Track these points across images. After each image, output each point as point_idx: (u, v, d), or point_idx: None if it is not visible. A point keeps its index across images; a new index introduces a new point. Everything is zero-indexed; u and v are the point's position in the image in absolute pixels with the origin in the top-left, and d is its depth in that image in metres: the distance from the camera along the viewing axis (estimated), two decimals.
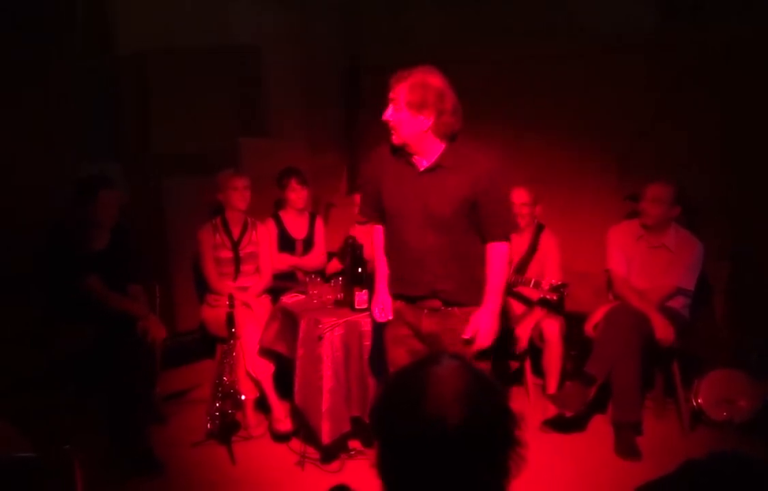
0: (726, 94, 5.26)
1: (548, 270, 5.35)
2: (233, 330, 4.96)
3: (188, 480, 4.59)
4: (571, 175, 5.95)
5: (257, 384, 5.11)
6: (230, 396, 4.93)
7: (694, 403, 5.02)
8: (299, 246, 5.92)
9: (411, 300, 3.82)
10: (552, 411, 5.03)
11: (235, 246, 5.48)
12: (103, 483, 4.17)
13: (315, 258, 5.94)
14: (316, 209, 6.44)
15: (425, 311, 3.78)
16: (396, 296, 3.90)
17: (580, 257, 5.62)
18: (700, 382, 5.02)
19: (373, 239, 4.05)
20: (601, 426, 5.06)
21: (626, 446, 4.74)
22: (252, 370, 5.08)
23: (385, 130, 3.68)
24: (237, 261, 5.47)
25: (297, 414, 4.77)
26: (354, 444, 4.76)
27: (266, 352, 5.00)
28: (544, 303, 5.28)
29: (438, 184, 3.63)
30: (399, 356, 3.86)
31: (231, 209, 5.44)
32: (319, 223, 6.05)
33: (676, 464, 1.58)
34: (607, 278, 5.32)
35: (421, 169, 3.67)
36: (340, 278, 4.94)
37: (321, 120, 7.09)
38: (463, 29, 6.29)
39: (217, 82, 6.00)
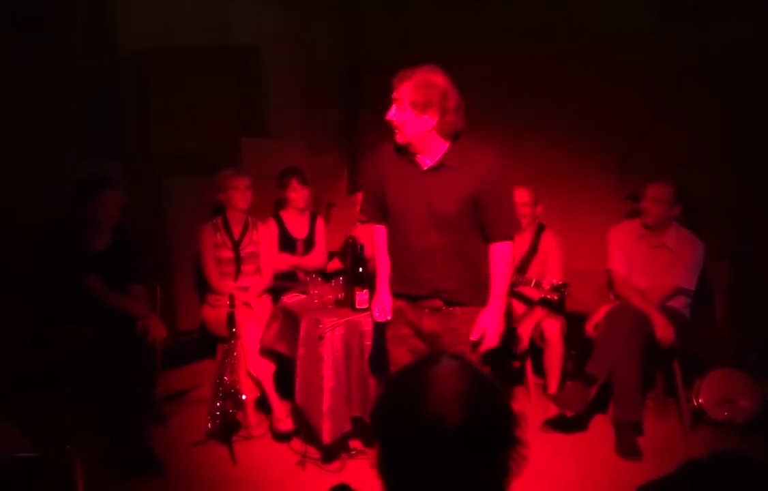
0: (726, 94, 5.24)
1: (549, 270, 5.33)
2: (234, 329, 4.95)
3: (189, 480, 4.57)
4: (571, 174, 5.93)
5: (258, 383, 5.10)
6: (231, 395, 4.92)
7: (695, 403, 5.01)
8: (300, 246, 5.90)
9: (412, 299, 3.81)
10: (553, 411, 5.02)
11: (236, 246, 5.45)
12: (103, 483, 4.17)
13: (316, 258, 5.92)
14: (317, 209, 6.42)
15: (426, 310, 3.77)
16: (397, 295, 3.88)
17: (580, 257, 5.59)
18: (701, 382, 5.01)
19: (373, 239, 4.03)
20: (602, 426, 5.04)
21: (627, 446, 4.72)
22: (253, 370, 5.07)
23: (388, 129, 3.67)
24: (238, 261, 5.45)
25: (298, 414, 4.76)
26: (355, 443, 4.74)
27: (267, 352, 4.99)
28: (545, 303, 5.26)
29: (442, 183, 3.61)
30: (400, 356, 3.85)
31: (232, 209, 5.42)
32: (319, 222, 6.03)
33: (677, 464, 1.58)
34: (608, 278, 5.30)
35: (425, 168, 3.66)
36: (341, 278, 4.91)
37: (321, 120, 7.07)
38: (463, 29, 6.27)
39: (217, 82, 5.96)
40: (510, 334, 4.91)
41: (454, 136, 3.62)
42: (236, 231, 5.47)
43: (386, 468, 1.60)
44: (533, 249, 5.43)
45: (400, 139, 3.63)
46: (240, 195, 5.37)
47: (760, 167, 5.16)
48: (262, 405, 5.21)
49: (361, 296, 4.58)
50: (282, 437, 4.97)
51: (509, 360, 5.42)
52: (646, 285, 5.07)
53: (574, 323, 5.32)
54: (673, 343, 4.87)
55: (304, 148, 6.78)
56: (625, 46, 5.59)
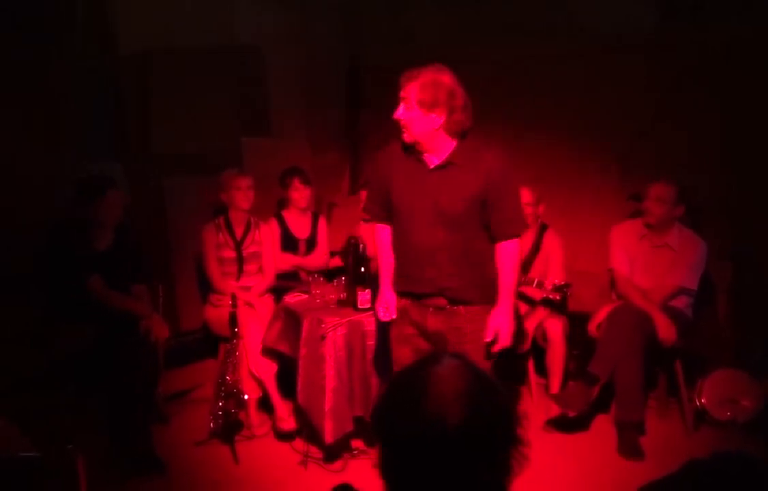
0: (726, 94, 5.20)
1: (551, 270, 5.28)
2: (236, 329, 4.91)
3: (191, 480, 4.54)
4: (571, 174, 5.88)
5: (260, 383, 5.06)
6: (233, 395, 4.89)
7: (698, 403, 4.97)
8: (302, 246, 5.86)
9: (416, 297, 3.78)
10: (555, 410, 4.98)
11: (238, 245, 5.42)
12: (105, 482, 4.14)
13: (318, 258, 5.88)
14: (319, 209, 6.38)
15: (430, 309, 3.74)
16: (402, 294, 3.85)
17: (581, 257, 5.56)
18: (704, 382, 4.97)
19: (376, 237, 4.01)
20: (604, 426, 5.01)
21: (629, 446, 4.68)
22: (255, 370, 5.03)
23: (395, 128, 3.64)
24: (240, 260, 5.42)
25: (300, 414, 4.73)
26: (357, 443, 4.71)
27: (269, 352, 4.95)
28: (547, 303, 5.22)
29: (449, 182, 3.59)
30: (404, 355, 3.81)
31: (234, 209, 5.39)
32: (321, 222, 5.99)
33: (680, 464, 1.56)
34: (610, 277, 5.25)
35: (432, 166, 3.64)
36: (343, 277, 4.87)
37: (323, 119, 7.04)
38: (463, 29, 6.24)
39: (218, 81, 5.94)
40: (518, 333, 4.87)
41: (461, 135, 3.60)
42: (238, 231, 5.44)
43: (387, 468, 1.58)
44: (535, 248, 5.38)
45: (407, 137, 3.61)
46: (242, 195, 5.33)
47: (760, 167, 5.11)
48: (265, 404, 5.17)
49: (363, 296, 4.54)
50: (284, 437, 4.94)
51: (514, 360, 5.39)
52: (649, 284, 5.02)
53: (577, 323, 5.28)
54: (676, 343, 4.82)
55: (306, 148, 6.76)
56: (625, 46, 5.55)
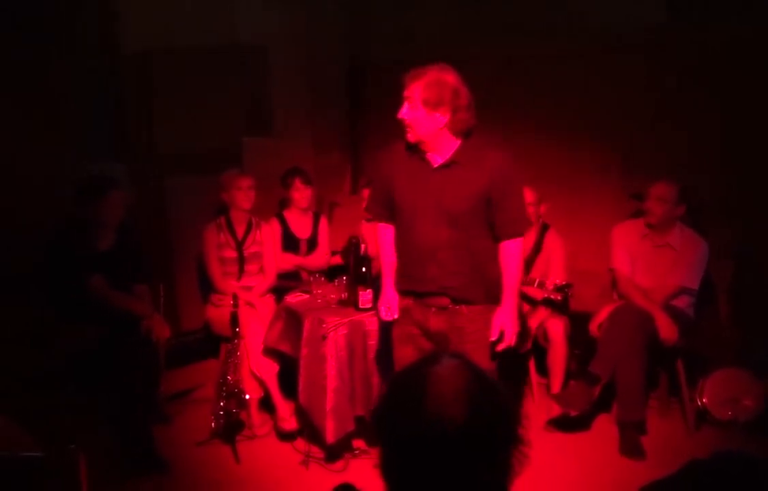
0: (726, 94, 5.17)
1: (553, 270, 5.24)
2: (237, 329, 4.87)
3: (193, 480, 4.52)
4: (571, 174, 5.85)
5: (261, 383, 5.03)
6: (234, 395, 4.86)
7: (699, 403, 4.93)
8: (303, 246, 5.83)
9: (419, 296, 3.75)
10: (556, 410, 4.94)
11: (240, 245, 5.39)
12: (107, 482, 4.12)
13: (319, 258, 5.85)
14: (320, 209, 6.36)
15: (433, 309, 3.72)
16: (404, 293, 3.82)
17: (582, 256, 5.54)
18: (705, 381, 4.93)
19: (379, 237, 3.99)
20: (605, 426, 4.98)
21: (630, 445, 4.65)
22: (256, 370, 5.00)
23: (399, 127, 3.62)
24: (241, 260, 5.40)
25: (301, 414, 4.71)
26: (358, 443, 4.69)
27: (270, 352, 4.93)
28: (548, 303, 5.18)
29: (453, 180, 3.58)
30: (406, 355, 3.77)
31: (235, 209, 5.37)
32: (323, 222, 5.97)
33: (681, 464, 1.55)
34: (612, 277, 5.22)
35: (436, 165, 3.62)
36: (344, 277, 4.85)
37: (325, 119, 7.03)
38: (464, 29, 6.22)
39: (220, 81, 5.94)
40: (522, 332, 4.87)
41: (465, 134, 3.59)
42: (240, 231, 5.42)
43: (388, 468, 1.58)
44: (537, 248, 5.34)
45: (411, 137, 3.59)
46: (243, 195, 5.31)
47: (760, 167, 5.07)
48: (266, 404, 5.15)
49: (365, 296, 4.53)
50: (285, 436, 4.91)
51: (516, 359, 5.37)
52: (650, 284, 4.99)
53: (578, 322, 5.23)
54: (677, 343, 4.79)
55: (307, 148, 6.74)
56: (625, 46, 5.52)
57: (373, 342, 4.47)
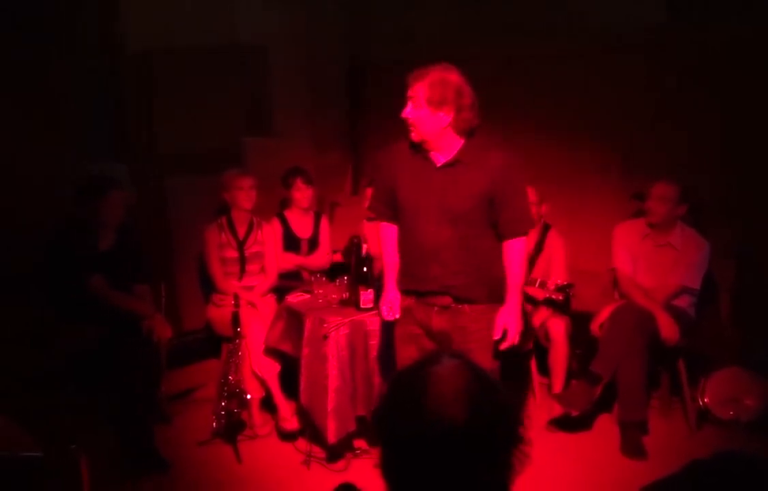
0: (726, 94, 5.14)
1: (554, 270, 5.21)
2: (238, 329, 4.85)
3: (194, 479, 4.50)
4: (571, 174, 5.82)
5: (263, 383, 5.00)
6: (236, 395, 4.84)
7: (701, 402, 4.92)
8: (304, 246, 5.80)
9: (421, 295, 3.73)
10: (558, 410, 4.91)
11: (241, 245, 5.37)
12: (109, 482, 4.09)
13: (320, 258, 5.82)
14: (321, 208, 6.33)
15: (435, 309, 3.70)
16: (406, 292, 3.80)
17: (581, 257, 5.51)
18: (707, 381, 4.92)
19: (381, 236, 3.96)
20: (606, 426, 4.96)
21: (632, 445, 4.63)
22: (257, 369, 4.97)
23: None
24: (242, 260, 5.37)
25: (303, 414, 4.68)
26: (359, 443, 4.67)
27: (272, 351, 4.90)
28: (549, 303, 5.16)
29: (456, 179, 3.56)
30: (409, 354, 3.74)
31: (237, 209, 5.34)
32: (324, 222, 5.94)
33: (682, 463, 1.53)
34: (613, 277, 5.20)
35: (439, 164, 3.60)
36: (345, 277, 4.82)
37: (325, 119, 7.00)
38: (464, 29, 6.20)
39: (220, 81, 5.92)
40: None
41: (468, 133, 3.58)
42: (241, 231, 5.40)
43: (388, 468, 1.57)
44: (538, 248, 5.31)
45: (415, 136, 3.58)
46: (245, 195, 5.29)
47: (760, 167, 5.05)
48: (267, 404, 5.12)
49: (366, 295, 4.52)
50: (287, 436, 4.89)
51: (518, 359, 5.35)
52: (651, 284, 4.96)
53: (579, 322, 5.20)
54: (678, 342, 4.76)
55: (308, 148, 6.70)
56: (625, 46, 5.50)
57: (374, 341, 4.46)
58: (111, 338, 4.54)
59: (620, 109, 5.57)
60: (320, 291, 4.86)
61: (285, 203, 5.91)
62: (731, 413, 4.83)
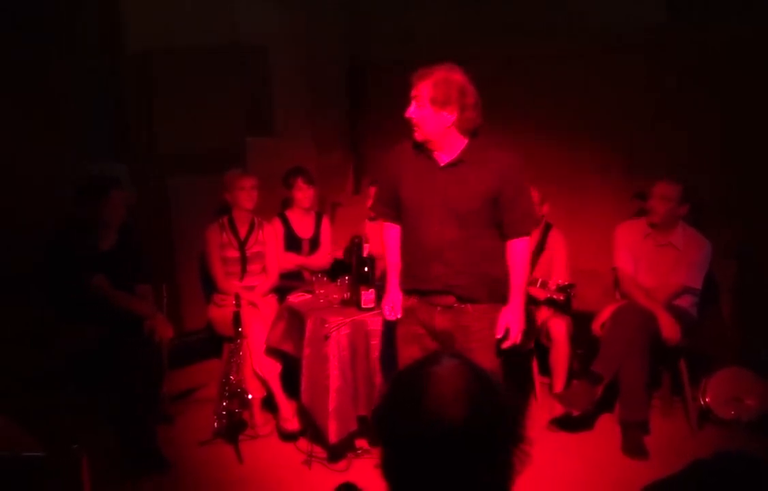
0: (726, 94, 5.13)
1: (555, 269, 5.18)
2: (240, 329, 4.83)
3: (195, 479, 4.48)
4: (571, 174, 5.80)
5: (264, 383, 4.98)
6: (237, 395, 4.82)
7: (702, 402, 4.89)
8: (306, 246, 5.78)
9: (424, 295, 3.71)
10: (559, 410, 4.88)
11: (242, 245, 5.35)
12: (110, 481, 4.08)
13: (321, 258, 5.79)
14: (323, 208, 6.31)
15: (438, 308, 3.68)
16: (409, 291, 3.78)
17: (582, 256, 5.50)
18: (708, 381, 4.90)
19: (384, 236, 3.94)
20: (608, 425, 4.93)
21: (633, 445, 4.60)
22: (259, 369, 4.95)
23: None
24: (244, 260, 5.35)
25: (304, 414, 4.66)
26: (361, 443, 4.64)
27: (273, 351, 4.88)
28: (551, 303, 5.14)
29: (459, 179, 3.54)
30: (411, 354, 3.71)
31: (238, 209, 5.32)
32: (325, 222, 5.92)
33: (684, 463, 1.53)
34: (614, 276, 5.17)
35: (442, 164, 3.58)
36: (347, 277, 4.80)
37: (326, 119, 6.98)
38: (464, 29, 6.18)
39: (222, 81, 5.88)
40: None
41: (472, 133, 3.57)
42: (242, 231, 5.37)
43: (389, 468, 1.57)
44: (540, 248, 5.27)
45: (418, 136, 3.57)
46: (246, 195, 5.27)
47: (760, 167, 5.04)
48: (268, 404, 5.09)
49: (367, 295, 4.50)
50: (288, 436, 4.87)
51: (520, 358, 5.33)
52: (653, 283, 4.93)
53: (580, 322, 5.18)
54: (680, 342, 4.74)
55: (310, 148, 6.67)
56: (625, 46, 5.48)
57: (375, 341, 4.44)
58: (111, 338, 4.50)
59: (620, 109, 5.56)
60: (321, 291, 4.84)
61: (286, 203, 5.89)
62: (732, 413, 4.81)
